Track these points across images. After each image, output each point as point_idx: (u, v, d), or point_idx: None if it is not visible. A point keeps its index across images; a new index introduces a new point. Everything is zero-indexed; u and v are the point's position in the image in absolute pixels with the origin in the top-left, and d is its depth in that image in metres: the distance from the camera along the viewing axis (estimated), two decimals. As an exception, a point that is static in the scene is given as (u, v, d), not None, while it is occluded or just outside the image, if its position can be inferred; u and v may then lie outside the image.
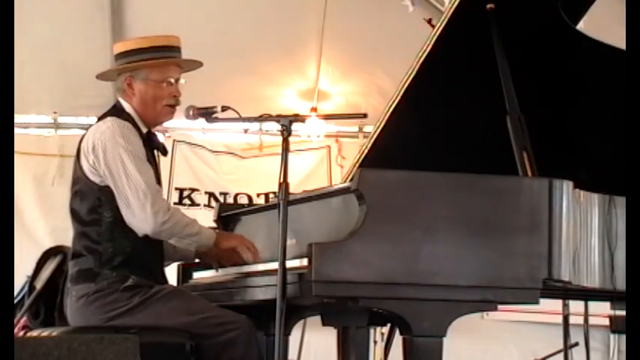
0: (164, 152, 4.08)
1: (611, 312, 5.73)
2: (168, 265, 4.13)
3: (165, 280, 3.94)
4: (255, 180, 7.91)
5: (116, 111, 3.90)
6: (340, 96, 7.91)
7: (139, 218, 3.69)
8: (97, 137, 3.77)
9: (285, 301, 3.38)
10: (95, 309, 3.73)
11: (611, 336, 7.56)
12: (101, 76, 4.11)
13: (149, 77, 3.90)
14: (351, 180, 3.58)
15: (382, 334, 6.52)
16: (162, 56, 3.91)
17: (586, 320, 6.49)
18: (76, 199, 3.85)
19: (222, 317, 3.74)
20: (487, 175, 3.58)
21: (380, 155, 4.39)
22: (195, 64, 4.03)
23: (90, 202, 3.79)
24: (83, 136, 3.87)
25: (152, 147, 3.96)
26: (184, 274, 4.41)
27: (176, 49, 3.97)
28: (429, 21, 6.22)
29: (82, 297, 3.76)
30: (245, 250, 3.89)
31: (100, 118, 3.91)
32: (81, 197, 3.82)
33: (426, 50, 4.26)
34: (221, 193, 7.90)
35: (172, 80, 3.92)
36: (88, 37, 7.39)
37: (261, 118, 3.72)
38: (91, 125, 3.96)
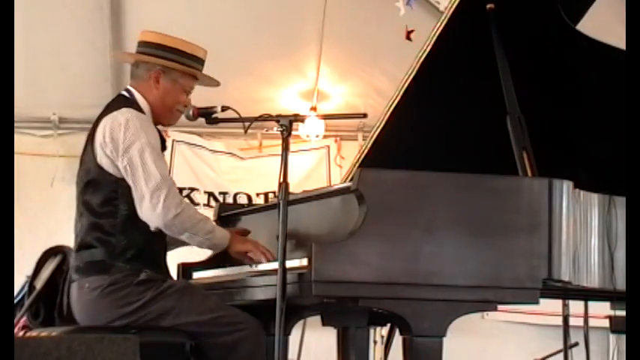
0: (164, 147, 4.10)
1: (611, 312, 5.72)
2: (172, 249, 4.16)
3: (169, 274, 3.94)
4: (255, 180, 7.91)
5: (129, 102, 3.88)
6: (340, 97, 7.91)
7: (151, 211, 3.68)
8: (114, 128, 3.74)
9: (285, 301, 3.38)
10: (109, 303, 3.71)
11: (611, 336, 7.56)
12: (120, 56, 4.09)
13: (178, 80, 3.94)
14: (351, 180, 3.59)
15: (382, 337, 6.51)
16: (196, 67, 3.97)
17: (586, 321, 6.48)
18: (89, 190, 3.81)
19: (232, 317, 3.75)
20: (487, 175, 3.58)
21: (380, 155, 4.39)
22: (212, 83, 4.07)
23: (105, 193, 3.76)
24: (96, 125, 3.82)
25: None
26: (184, 274, 4.41)
27: (202, 62, 4.02)
28: (409, 33, 6.24)
29: (95, 289, 3.72)
30: (260, 255, 3.87)
31: (110, 106, 3.88)
32: (95, 188, 3.79)
33: (425, 50, 4.27)
34: (220, 193, 7.90)
35: (190, 91, 3.97)
36: (87, 37, 7.39)
37: (261, 118, 3.72)
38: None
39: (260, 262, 3.87)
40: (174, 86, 3.93)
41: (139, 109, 3.86)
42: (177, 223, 3.70)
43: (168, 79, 3.93)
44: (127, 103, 3.86)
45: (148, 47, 3.96)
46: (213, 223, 3.89)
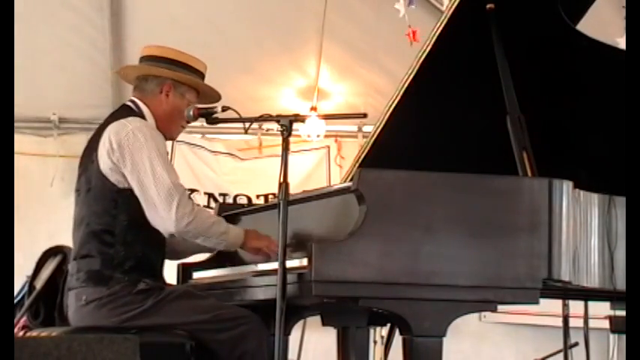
0: None
1: (611, 312, 5.72)
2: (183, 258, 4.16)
3: (165, 283, 3.94)
4: (255, 181, 7.90)
5: (134, 113, 3.87)
6: (340, 95, 7.90)
7: (165, 219, 3.68)
8: (122, 136, 3.73)
9: (285, 301, 3.38)
10: (107, 311, 3.70)
11: (611, 336, 7.56)
12: (127, 70, 4.10)
13: (185, 95, 3.96)
14: (351, 180, 3.59)
15: (382, 337, 6.52)
16: (202, 82, 3.99)
17: (586, 321, 6.48)
18: (89, 199, 3.81)
19: (234, 312, 3.77)
20: (487, 175, 3.58)
21: (380, 155, 4.39)
22: (212, 99, 4.07)
23: (105, 203, 3.76)
24: (99, 134, 3.81)
25: None
26: (184, 274, 4.41)
27: (204, 77, 4.04)
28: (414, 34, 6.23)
29: (93, 301, 3.72)
30: (274, 253, 3.87)
31: (114, 115, 3.88)
32: (95, 197, 3.78)
33: (425, 50, 4.26)
34: (220, 194, 7.89)
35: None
36: (87, 38, 7.39)
37: (262, 118, 3.71)
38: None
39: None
40: (182, 101, 3.95)
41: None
42: (190, 229, 3.69)
43: (177, 93, 3.95)
44: (132, 114, 3.86)
45: (157, 61, 3.97)
46: (226, 224, 3.86)
